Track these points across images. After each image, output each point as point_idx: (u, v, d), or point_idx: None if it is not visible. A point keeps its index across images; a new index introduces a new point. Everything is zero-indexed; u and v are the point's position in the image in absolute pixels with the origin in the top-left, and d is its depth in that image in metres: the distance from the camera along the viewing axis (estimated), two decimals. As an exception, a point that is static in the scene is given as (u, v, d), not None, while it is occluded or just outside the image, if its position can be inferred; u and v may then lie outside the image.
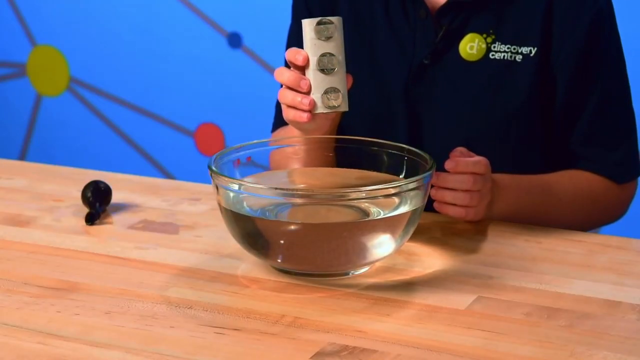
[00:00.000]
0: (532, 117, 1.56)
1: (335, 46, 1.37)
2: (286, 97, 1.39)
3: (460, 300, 1.22)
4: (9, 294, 1.24)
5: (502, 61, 1.55)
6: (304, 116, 1.37)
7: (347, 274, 1.28)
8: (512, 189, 1.50)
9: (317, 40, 1.37)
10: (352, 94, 1.45)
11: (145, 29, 3.07)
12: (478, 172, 1.42)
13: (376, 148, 1.40)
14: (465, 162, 1.41)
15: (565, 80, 1.54)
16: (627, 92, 1.59)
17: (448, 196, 1.42)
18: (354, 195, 1.26)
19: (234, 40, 2.99)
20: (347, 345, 1.11)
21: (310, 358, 1.09)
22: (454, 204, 1.42)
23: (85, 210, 1.51)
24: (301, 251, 1.26)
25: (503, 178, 1.49)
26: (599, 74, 1.55)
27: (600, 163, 1.57)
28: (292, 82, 1.37)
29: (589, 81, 1.55)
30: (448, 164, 1.41)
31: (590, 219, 1.58)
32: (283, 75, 1.39)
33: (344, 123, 1.55)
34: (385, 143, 1.40)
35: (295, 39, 1.70)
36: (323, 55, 1.37)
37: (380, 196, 1.26)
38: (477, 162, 1.42)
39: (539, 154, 1.59)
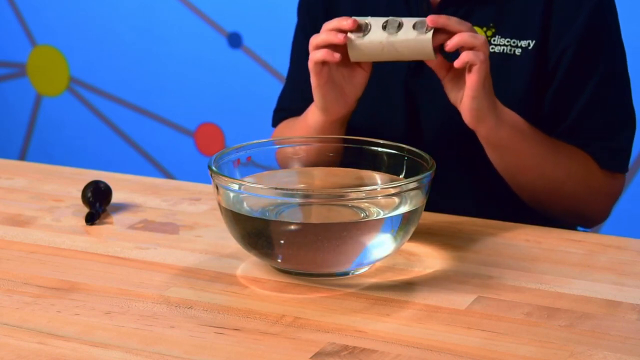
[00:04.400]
0: (529, 110, 1.56)
1: (400, 35, 1.41)
2: (318, 36, 1.44)
3: (460, 300, 1.22)
4: (9, 294, 1.24)
5: (502, 54, 1.55)
6: (335, 55, 1.41)
7: (347, 274, 1.28)
8: (512, 113, 1.49)
9: (405, 19, 1.41)
10: None
11: (145, 29, 3.07)
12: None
13: (376, 148, 1.40)
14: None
15: (562, 71, 1.54)
16: (626, 86, 1.57)
17: (457, 38, 1.39)
18: (354, 195, 1.26)
19: (234, 40, 2.98)
20: (347, 345, 1.11)
21: (310, 358, 1.09)
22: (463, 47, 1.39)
23: (85, 210, 1.51)
24: (301, 251, 1.26)
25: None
26: (596, 66, 1.54)
27: (588, 147, 1.55)
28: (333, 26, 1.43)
29: (586, 74, 1.53)
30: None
31: (580, 193, 1.54)
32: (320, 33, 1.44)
33: None
34: (385, 143, 1.40)
35: (301, 36, 1.70)
36: (394, 21, 1.41)
37: (380, 196, 1.26)
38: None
39: None
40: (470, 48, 1.39)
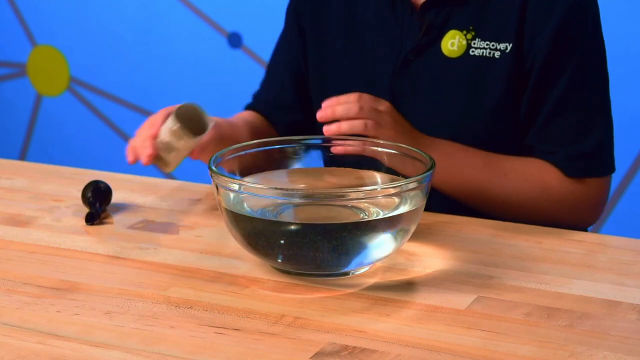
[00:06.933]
0: (511, 113, 1.55)
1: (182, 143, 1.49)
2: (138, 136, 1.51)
3: (460, 300, 1.22)
4: (9, 294, 1.24)
5: (482, 57, 1.55)
6: (145, 155, 1.47)
7: (347, 274, 1.28)
8: (447, 143, 1.51)
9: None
10: (341, 88, 1.49)
11: (145, 29, 3.07)
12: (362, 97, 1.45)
13: (376, 148, 1.40)
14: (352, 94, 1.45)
15: (534, 75, 1.53)
16: (602, 87, 1.54)
17: (339, 109, 1.42)
18: (354, 195, 1.26)
19: (234, 40, 2.99)
20: (347, 345, 1.11)
21: (310, 358, 1.09)
22: (348, 119, 1.42)
23: (85, 210, 1.51)
24: (301, 251, 1.25)
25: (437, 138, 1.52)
26: (567, 70, 1.51)
27: (553, 154, 1.53)
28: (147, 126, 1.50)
29: (557, 73, 1.52)
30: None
31: (540, 209, 1.52)
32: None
33: None
34: (385, 143, 1.40)
35: (285, 43, 1.73)
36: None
37: (380, 196, 1.26)
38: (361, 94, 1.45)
39: (522, 149, 1.57)
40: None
